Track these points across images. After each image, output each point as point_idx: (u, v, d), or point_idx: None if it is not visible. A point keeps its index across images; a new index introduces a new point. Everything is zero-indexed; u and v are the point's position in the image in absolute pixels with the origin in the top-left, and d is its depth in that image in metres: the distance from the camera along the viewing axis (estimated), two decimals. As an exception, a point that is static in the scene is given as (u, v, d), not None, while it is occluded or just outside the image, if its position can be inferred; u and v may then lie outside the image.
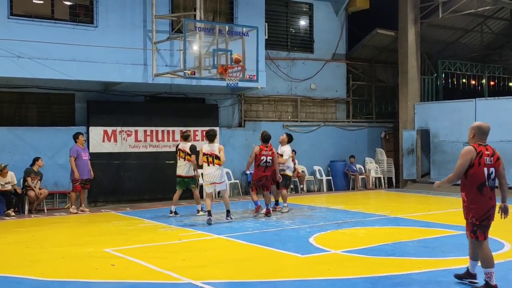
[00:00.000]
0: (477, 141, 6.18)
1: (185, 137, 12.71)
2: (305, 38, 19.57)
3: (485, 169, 6.04)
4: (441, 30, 20.95)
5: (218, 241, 9.57)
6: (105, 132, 15.02)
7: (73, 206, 13.36)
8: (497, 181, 6.19)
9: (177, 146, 12.80)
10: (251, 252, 8.62)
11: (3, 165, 13.17)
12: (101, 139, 14.90)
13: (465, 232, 6.43)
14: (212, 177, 11.27)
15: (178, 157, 12.51)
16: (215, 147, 11.33)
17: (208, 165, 11.25)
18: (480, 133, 6.21)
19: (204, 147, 11.42)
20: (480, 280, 6.38)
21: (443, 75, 21.47)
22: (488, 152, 6.12)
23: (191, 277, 6.91)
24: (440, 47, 22.15)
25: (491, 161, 6.09)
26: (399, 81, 19.47)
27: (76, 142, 13.41)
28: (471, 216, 6.18)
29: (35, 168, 13.50)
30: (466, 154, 6.09)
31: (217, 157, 11.21)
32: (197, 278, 6.86)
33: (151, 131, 15.68)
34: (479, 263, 6.30)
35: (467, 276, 6.58)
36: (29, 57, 13.03)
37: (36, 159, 13.52)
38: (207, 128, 16.42)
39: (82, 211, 13.46)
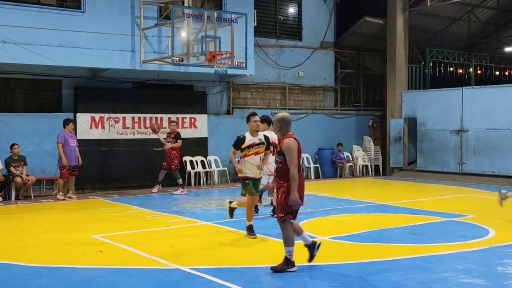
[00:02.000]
0: (287, 131, 6.52)
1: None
2: (293, 25, 19.53)
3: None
4: (429, 18, 21.02)
5: (206, 228, 9.60)
6: (93, 118, 14.94)
7: (60, 193, 13.31)
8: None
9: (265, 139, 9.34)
10: (239, 238, 8.66)
11: None
12: (88, 126, 14.82)
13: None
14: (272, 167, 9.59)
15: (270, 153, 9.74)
16: (275, 135, 9.60)
17: (273, 154, 9.64)
18: (286, 124, 6.57)
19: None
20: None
21: (431, 63, 21.56)
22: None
23: (179, 263, 6.94)
24: (428, 36, 22.23)
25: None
26: (387, 69, 19.54)
27: (64, 128, 13.33)
28: (289, 198, 6.39)
29: (13, 156, 13.40)
30: (294, 145, 6.41)
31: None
32: (185, 264, 6.89)
33: (139, 118, 15.62)
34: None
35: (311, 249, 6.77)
36: (15, 42, 12.89)
37: (11, 147, 13.41)
38: (194, 115, 16.63)
39: (69, 197, 13.42)
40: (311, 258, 6.83)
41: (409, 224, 9.76)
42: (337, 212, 11.24)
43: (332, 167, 19.21)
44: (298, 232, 6.74)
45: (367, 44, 20.92)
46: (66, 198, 13.33)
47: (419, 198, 13.54)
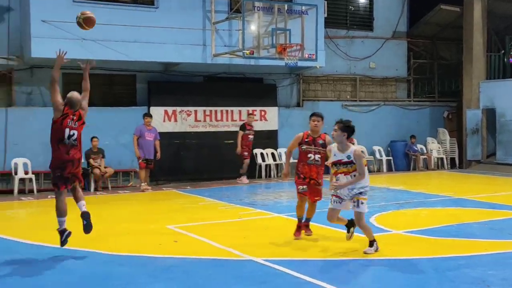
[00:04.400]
0: (69, 108, 7.06)
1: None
2: (364, 16, 19.19)
3: (67, 129, 6.98)
4: (509, 4, 19.99)
5: (278, 220, 9.62)
6: (166, 112, 15.29)
7: (143, 183, 13.62)
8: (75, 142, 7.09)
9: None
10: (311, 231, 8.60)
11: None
12: (161, 119, 15.18)
13: None
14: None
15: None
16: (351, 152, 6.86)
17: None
18: (70, 103, 7.08)
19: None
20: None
21: (511, 51, 20.56)
22: (75, 117, 7.07)
23: (253, 255, 6.97)
24: (508, 22, 21.14)
25: (75, 125, 7.08)
26: (463, 58, 18.81)
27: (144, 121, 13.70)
28: (50, 166, 7.14)
29: (93, 149, 13.92)
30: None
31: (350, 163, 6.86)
32: (258, 255, 6.92)
33: (210, 111, 15.84)
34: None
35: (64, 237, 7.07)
36: (93, 39, 13.36)
37: (91, 139, 13.92)
38: (265, 108, 16.62)
39: (145, 189, 13.66)
40: (61, 244, 7.09)
41: (488, 219, 9.37)
42: (411, 205, 10.95)
43: (405, 159, 18.76)
44: (61, 213, 7.10)
45: (441, 33, 20.21)
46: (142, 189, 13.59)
47: (499, 192, 12.96)
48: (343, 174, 6.88)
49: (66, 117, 7.01)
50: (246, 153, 14.96)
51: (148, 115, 13.90)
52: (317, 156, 7.75)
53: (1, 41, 13.75)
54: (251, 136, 15.03)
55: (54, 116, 7.04)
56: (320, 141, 7.77)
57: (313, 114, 7.91)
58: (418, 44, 20.11)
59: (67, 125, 7.01)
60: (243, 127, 15.00)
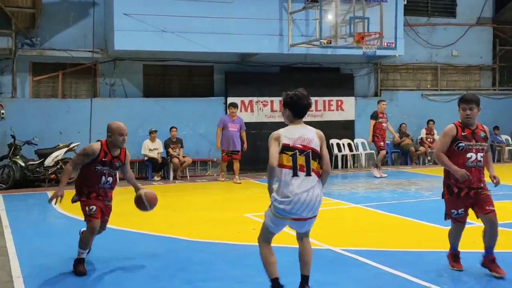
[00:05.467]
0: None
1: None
2: (446, 1, 18.50)
3: None
4: None
5: (355, 210, 9.49)
6: (242, 102, 15.42)
7: (222, 173, 13.75)
8: None
9: None
10: (390, 222, 8.45)
11: (153, 129, 14.09)
12: (238, 109, 15.29)
13: None
14: (306, 205, 4.99)
15: None
16: (310, 132, 4.91)
17: (297, 174, 4.85)
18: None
19: (284, 131, 4.95)
20: None
21: None
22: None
23: (331, 244, 6.92)
24: None
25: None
26: (555, 44, 17.76)
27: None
28: None
29: (172, 138, 14.26)
30: None
31: (318, 156, 4.85)
32: (336, 245, 6.87)
33: (286, 101, 15.79)
34: None
35: None
36: (172, 31, 13.68)
37: (170, 130, 14.23)
38: (341, 98, 16.40)
39: (237, 182, 13.36)
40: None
41: None
42: (496, 198, 10.22)
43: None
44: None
45: (530, 18, 19.17)
46: (221, 180, 13.71)
47: None
48: None
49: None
50: (382, 144, 13.80)
51: (232, 105, 13.54)
52: (479, 155, 5.65)
53: (86, 35, 14.35)
54: (384, 125, 13.84)
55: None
56: (481, 134, 5.77)
57: (462, 100, 5.73)
58: (505, 30, 19.15)
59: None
60: (375, 115, 13.75)
